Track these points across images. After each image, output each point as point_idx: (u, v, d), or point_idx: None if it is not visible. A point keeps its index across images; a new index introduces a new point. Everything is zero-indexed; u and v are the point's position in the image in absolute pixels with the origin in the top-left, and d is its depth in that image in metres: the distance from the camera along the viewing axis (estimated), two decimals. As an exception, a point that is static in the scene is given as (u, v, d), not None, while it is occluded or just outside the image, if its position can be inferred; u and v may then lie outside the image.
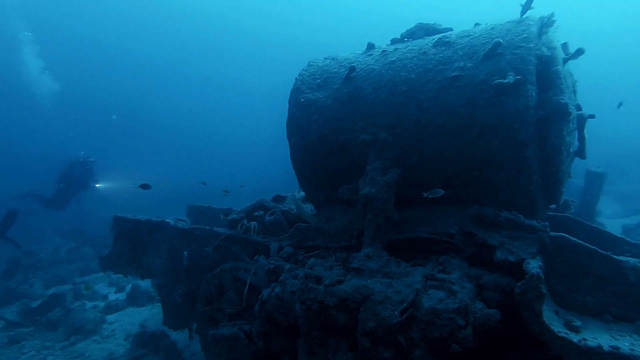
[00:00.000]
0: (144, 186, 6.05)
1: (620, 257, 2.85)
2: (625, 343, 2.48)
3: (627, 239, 3.93)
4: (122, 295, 8.46)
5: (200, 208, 7.65)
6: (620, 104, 4.39)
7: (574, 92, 3.66)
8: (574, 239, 3.04)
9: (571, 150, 3.57)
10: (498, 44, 3.19)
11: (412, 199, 3.82)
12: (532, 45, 3.14)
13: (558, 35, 3.62)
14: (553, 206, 4.19)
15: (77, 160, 13.82)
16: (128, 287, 8.63)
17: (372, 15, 49.66)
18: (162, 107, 52.09)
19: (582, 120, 3.65)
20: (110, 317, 7.24)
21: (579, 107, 3.84)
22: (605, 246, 4.00)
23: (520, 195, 3.36)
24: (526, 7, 3.52)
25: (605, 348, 2.43)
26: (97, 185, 14.52)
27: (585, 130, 3.68)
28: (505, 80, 3.05)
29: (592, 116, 3.63)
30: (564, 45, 3.60)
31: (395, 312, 3.04)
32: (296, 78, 4.37)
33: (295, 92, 4.27)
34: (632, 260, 2.82)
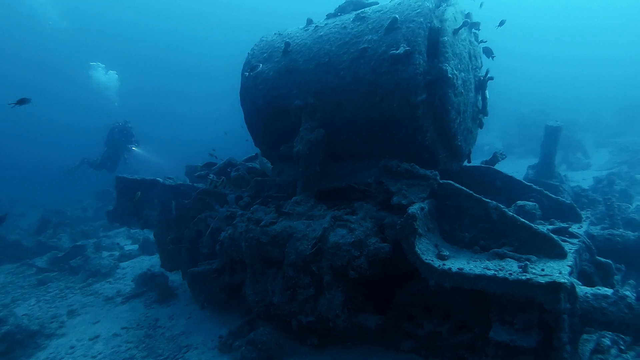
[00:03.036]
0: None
1: (487, 199, 3.43)
2: (471, 266, 3.12)
3: (534, 186, 4.45)
4: (135, 247, 9.57)
5: (196, 168, 8.54)
6: (502, 22, 4.67)
7: (473, 57, 4.11)
8: (457, 185, 3.62)
9: (469, 109, 4.08)
10: (395, 20, 3.69)
11: (340, 155, 4.47)
12: (422, 19, 3.62)
13: (464, 7, 4.06)
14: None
15: (117, 124, 14.91)
16: (142, 240, 9.71)
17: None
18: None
19: (483, 83, 4.12)
20: (123, 264, 8.33)
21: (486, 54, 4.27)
22: (517, 192, 4.57)
23: (421, 149, 3.94)
24: None
25: (454, 269, 3.10)
26: (133, 148, 15.38)
27: (487, 91, 4.15)
28: (397, 51, 3.58)
29: (491, 78, 4.10)
30: (467, 15, 4.03)
31: (309, 247, 3.78)
32: (248, 52, 4.97)
33: (247, 65, 4.88)
34: (494, 202, 3.39)
